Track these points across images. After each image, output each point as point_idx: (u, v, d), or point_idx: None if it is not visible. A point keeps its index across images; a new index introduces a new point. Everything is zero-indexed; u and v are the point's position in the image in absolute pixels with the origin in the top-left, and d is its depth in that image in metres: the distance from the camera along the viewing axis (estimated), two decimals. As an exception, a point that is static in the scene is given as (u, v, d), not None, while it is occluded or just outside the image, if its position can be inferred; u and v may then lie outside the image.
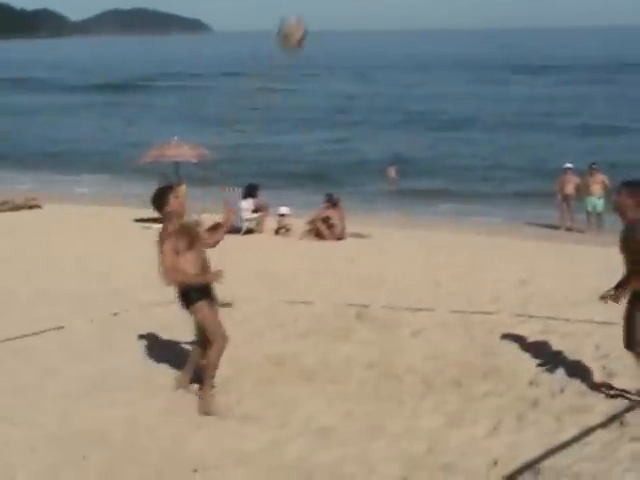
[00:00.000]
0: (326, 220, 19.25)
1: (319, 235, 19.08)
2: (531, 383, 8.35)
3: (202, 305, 7.60)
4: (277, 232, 19.96)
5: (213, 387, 7.81)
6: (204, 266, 7.69)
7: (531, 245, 18.26)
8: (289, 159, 36.28)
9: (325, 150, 38.95)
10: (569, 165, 21.88)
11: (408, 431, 7.27)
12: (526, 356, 9.10)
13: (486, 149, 37.56)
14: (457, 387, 8.38)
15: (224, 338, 7.68)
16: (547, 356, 8.98)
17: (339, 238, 19.07)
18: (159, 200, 7.69)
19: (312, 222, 19.41)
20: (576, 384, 8.06)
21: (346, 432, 7.25)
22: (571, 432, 7.07)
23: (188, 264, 7.51)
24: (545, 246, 18.21)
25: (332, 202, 19.70)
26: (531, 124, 44.18)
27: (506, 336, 9.74)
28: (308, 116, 52.75)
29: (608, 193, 19.26)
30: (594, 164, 21.46)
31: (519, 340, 9.58)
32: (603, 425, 7.17)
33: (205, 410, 7.65)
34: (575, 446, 6.80)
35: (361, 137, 42.78)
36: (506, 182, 29.39)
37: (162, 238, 7.52)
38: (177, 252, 7.43)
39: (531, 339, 9.62)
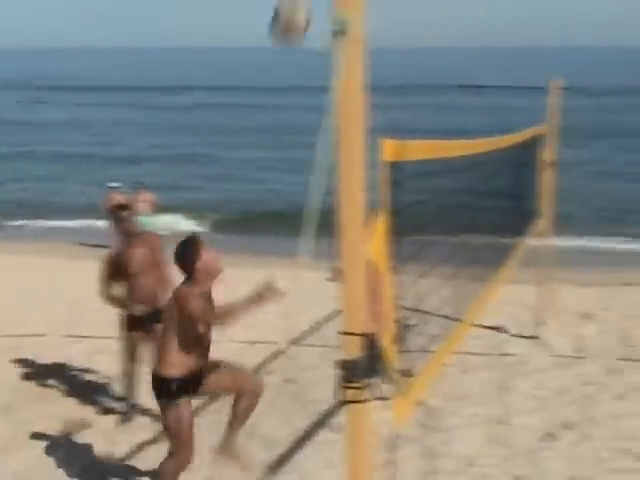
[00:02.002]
0: None
1: None
2: (81, 403, 8.20)
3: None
4: None
5: None
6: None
7: (84, 265, 18.02)
8: None
9: None
10: (114, 184, 21.74)
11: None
12: (81, 379, 8.95)
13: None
14: (8, 412, 7.98)
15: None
16: (100, 375, 8.92)
17: None
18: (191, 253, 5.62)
19: None
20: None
21: None
22: (123, 449, 7.04)
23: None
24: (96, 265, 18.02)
25: None
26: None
27: (57, 358, 9.49)
28: None
29: (156, 210, 19.61)
30: (140, 183, 21.52)
31: (70, 361, 9.39)
32: (154, 441, 7.23)
33: None
34: (127, 463, 6.80)
35: None
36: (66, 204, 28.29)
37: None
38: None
39: (81, 359, 9.47)
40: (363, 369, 2.94)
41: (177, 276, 7.71)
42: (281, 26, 7.05)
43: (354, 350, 2.93)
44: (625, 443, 7.05)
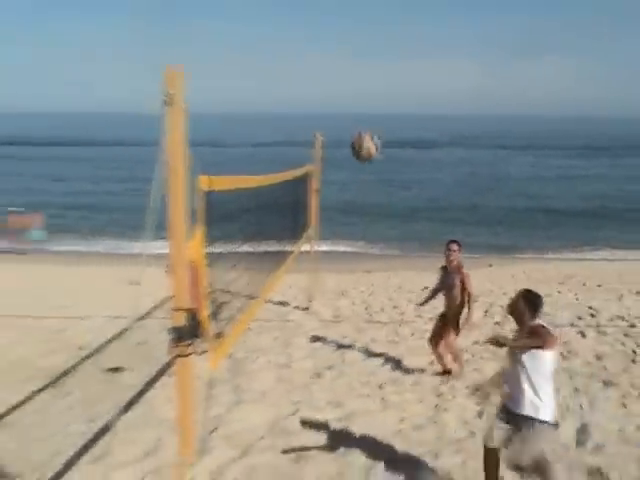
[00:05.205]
0: None
1: None
2: None
3: None
4: None
5: None
6: None
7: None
8: None
9: None
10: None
11: None
12: None
13: None
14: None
15: None
16: None
17: None
18: None
19: None
20: None
21: None
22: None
23: None
24: None
25: None
26: None
27: None
28: None
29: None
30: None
31: None
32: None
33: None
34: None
35: None
36: None
37: None
38: None
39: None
40: (186, 333, 3.02)
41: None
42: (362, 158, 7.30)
43: (180, 320, 3.01)
44: (367, 377, 7.42)
